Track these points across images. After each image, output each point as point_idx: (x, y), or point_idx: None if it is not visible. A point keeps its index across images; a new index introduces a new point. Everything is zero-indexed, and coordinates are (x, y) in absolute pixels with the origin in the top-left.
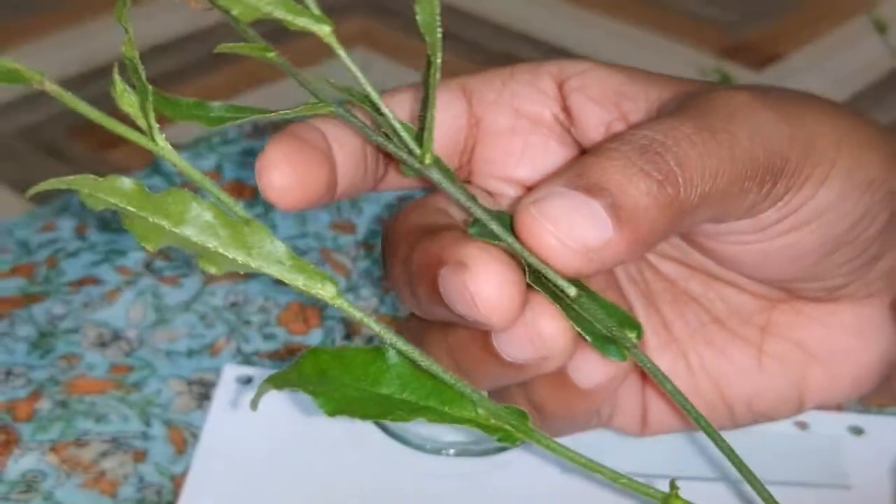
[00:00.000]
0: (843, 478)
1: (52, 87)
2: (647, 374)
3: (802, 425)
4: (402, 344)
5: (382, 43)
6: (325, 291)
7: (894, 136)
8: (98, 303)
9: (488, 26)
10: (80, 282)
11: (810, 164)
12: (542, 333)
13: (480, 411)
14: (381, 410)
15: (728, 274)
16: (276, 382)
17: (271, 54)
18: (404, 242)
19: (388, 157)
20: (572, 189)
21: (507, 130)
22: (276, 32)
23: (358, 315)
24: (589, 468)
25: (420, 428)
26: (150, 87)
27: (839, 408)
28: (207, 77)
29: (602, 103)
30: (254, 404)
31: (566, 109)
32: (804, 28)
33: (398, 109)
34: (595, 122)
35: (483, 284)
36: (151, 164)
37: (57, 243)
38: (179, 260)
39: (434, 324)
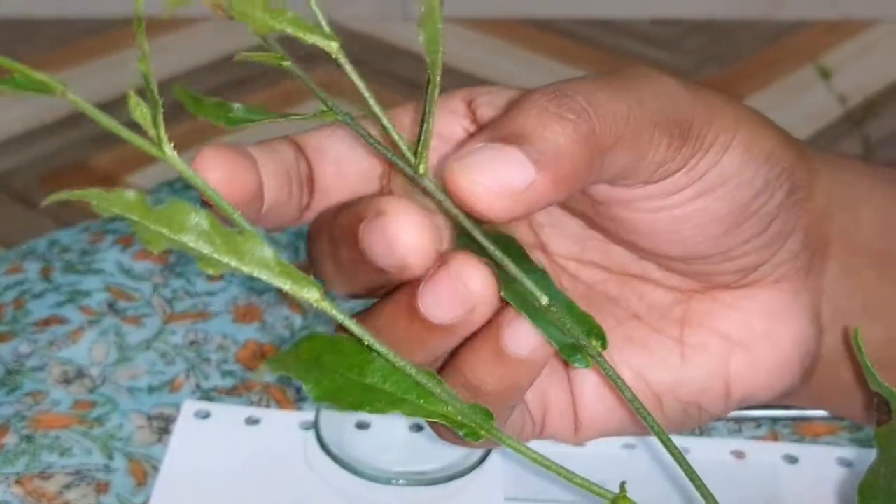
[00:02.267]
0: None
1: (73, 98)
2: (573, 377)
3: (740, 454)
4: (378, 345)
5: (344, 90)
6: (310, 294)
7: (785, 132)
8: (63, 341)
9: (458, 75)
10: (45, 321)
11: (713, 130)
12: (467, 284)
13: (450, 409)
14: (363, 399)
15: (643, 271)
16: (275, 363)
17: (287, 63)
18: (328, 215)
19: (311, 187)
20: (492, 141)
21: None
22: (261, 76)
23: (340, 317)
24: (545, 466)
25: (371, 459)
26: (160, 100)
27: (774, 437)
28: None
29: None
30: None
31: (476, 122)
32: (756, 75)
33: (395, 123)
34: None
35: (399, 226)
36: None
37: (23, 284)
38: (141, 300)
39: (363, 315)
